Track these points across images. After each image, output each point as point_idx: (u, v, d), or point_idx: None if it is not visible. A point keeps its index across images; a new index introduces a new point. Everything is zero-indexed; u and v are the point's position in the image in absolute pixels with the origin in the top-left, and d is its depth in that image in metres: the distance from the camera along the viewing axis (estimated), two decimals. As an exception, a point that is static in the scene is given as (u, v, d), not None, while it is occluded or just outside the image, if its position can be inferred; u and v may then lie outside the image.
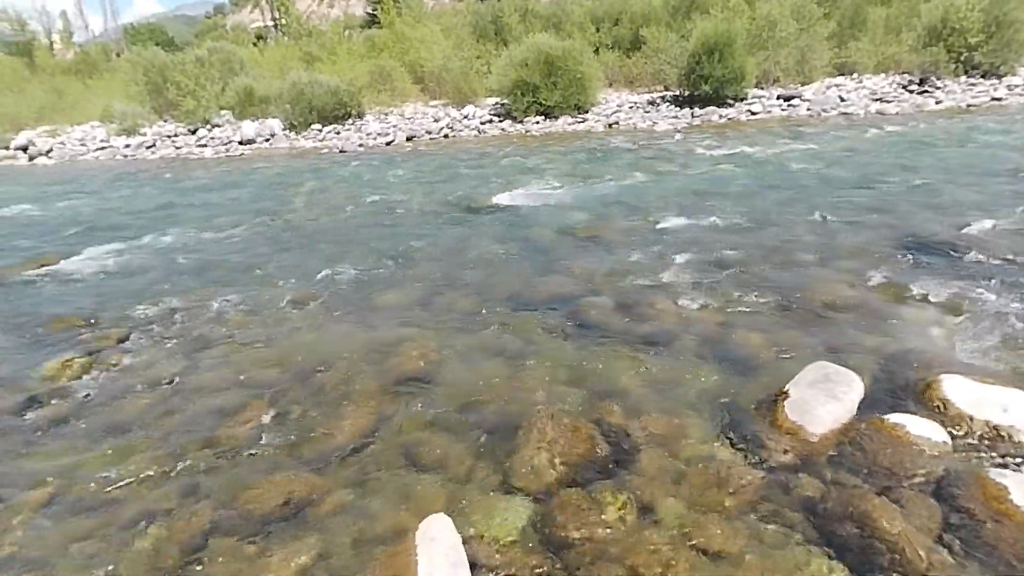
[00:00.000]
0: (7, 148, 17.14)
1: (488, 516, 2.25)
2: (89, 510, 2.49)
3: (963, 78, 15.35)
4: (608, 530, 2.17)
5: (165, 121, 18.64)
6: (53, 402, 3.33)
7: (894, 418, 2.51)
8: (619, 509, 2.26)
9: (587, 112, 15.47)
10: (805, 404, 2.60)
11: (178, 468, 2.71)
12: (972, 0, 15.25)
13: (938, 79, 15.32)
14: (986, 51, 15.13)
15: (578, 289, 4.43)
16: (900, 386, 2.83)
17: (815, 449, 2.46)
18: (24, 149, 16.98)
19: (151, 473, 2.69)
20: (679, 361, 3.29)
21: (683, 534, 2.13)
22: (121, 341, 4.05)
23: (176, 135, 17.02)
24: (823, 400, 2.58)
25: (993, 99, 13.68)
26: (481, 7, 22.36)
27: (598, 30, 19.93)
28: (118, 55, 31.01)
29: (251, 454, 2.77)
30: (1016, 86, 14.55)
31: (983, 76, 15.40)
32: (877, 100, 14.40)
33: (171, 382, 3.50)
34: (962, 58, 15.25)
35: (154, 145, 16.26)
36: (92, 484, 2.64)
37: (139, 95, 18.95)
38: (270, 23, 35.90)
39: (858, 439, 2.46)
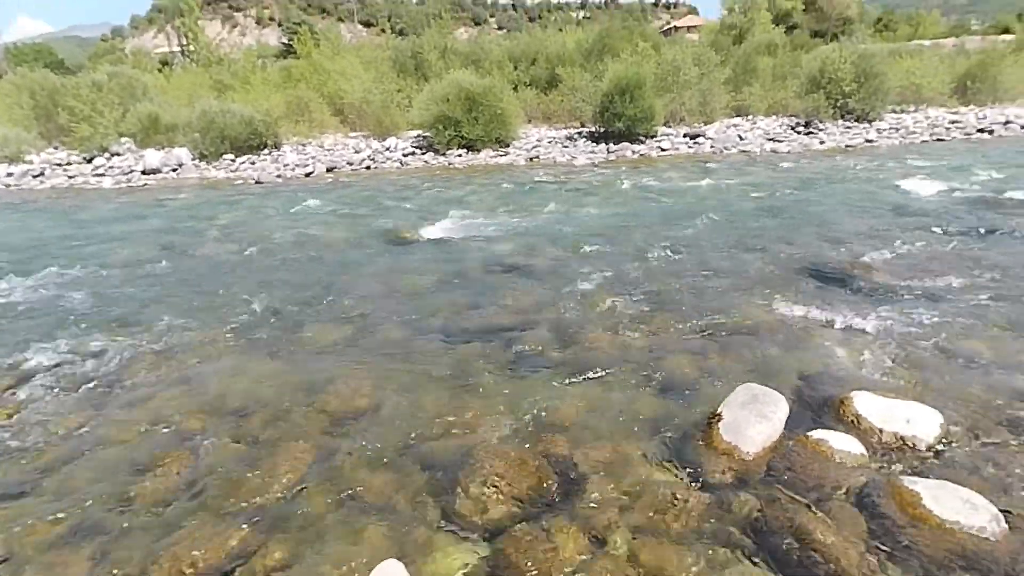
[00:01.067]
0: None
1: (440, 558, 2.19)
2: (-24, 589, 2.18)
3: (841, 122, 17.18)
4: (561, 563, 2.16)
5: (55, 148, 17.19)
6: (-72, 465, 2.90)
7: (817, 434, 2.70)
8: (571, 541, 2.26)
9: (508, 146, 15.84)
10: (738, 425, 2.74)
11: (86, 532, 2.43)
12: (844, 54, 17.28)
13: (820, 122, 17.06)
14: (858, 98, 17.07)
15: (512, 320, 4.46)
16: (819, 403, 3.06)
17: (750, 468, 2.60)
18: None
19: (53, 541, 2.39)
20: (616, 388, 3.38)
21: (635, 561, 2.17)
22: (12, 389, 3.62)
23: (69, 163, 15.71)
24: (754, 420, 2.74)
25: (867, 141, 15.39)
26: (401, 43, 22.58)
27: (516, 68, 20.64)
28: (-2, 76, 28.40)
29: (173, 511, 2.54)
30: (884, 130, 16.47)
31: (857, 120, 17.31)
32: (771, 140, 15.78)
33: (73, 434, 3.16)
34: (839, 104, 17.10)
35: (42, 174, 14.90)
36: (-20, 558, 2.31)
37: (24, 119, 17.40)
38: (176, 49, 34.35)
39: (787, 456, 2.62)
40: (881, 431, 2.75)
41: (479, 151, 15.32)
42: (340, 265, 6.25)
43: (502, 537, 2.28)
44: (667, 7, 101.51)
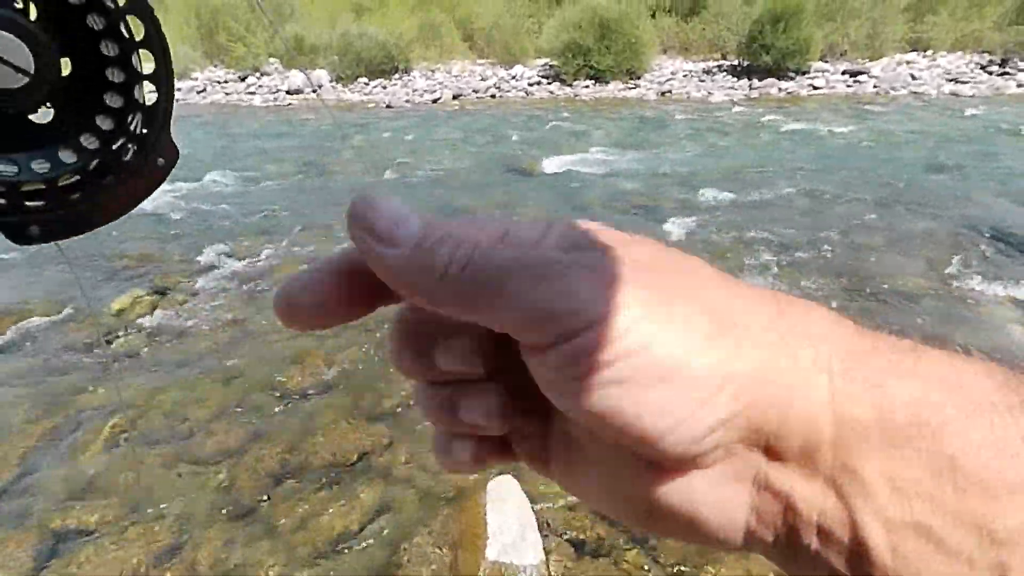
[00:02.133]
0: (64, 86, 17.51)
1: (551, 483, 2.25)
2: (161, 442, 2.59)
3: (1049, 61, 14.30)
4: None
5: (215, 66, 18.77)
6: (124, 336, 3.44)
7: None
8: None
9: (639, 78, 14.97)
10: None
11: (244, 410, 2.78)
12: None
13: (1022, 60, 14.30)
14: (1080, 32, 14.04)
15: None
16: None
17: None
18: (80, 88, 17.32)
19: (219, 412, 2.77)
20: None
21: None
22: (184, 281, 4.16)
23: (226, 81, 17.14)
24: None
25: (1081, 86, 12.74)
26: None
27: (657, -9, 19.12)
28: (170, -3, 31.09)
29: (314, 402, 2.83)
30: (1108, 73, 13.50)
31: (1072, 60, 14.31)
32: (952, 80, 13.56)
33: (232, 325, 3.58)
34: (1051, 39, 14.19)
35: (204, 90, 16.41)
36: (164, 418, 2.74)
37: (191, 38, 19.06)
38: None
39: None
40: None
41: (607, 83, 14.64)
42: (464, 191, 6.37)
43: (612, 472, 2.30)
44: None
